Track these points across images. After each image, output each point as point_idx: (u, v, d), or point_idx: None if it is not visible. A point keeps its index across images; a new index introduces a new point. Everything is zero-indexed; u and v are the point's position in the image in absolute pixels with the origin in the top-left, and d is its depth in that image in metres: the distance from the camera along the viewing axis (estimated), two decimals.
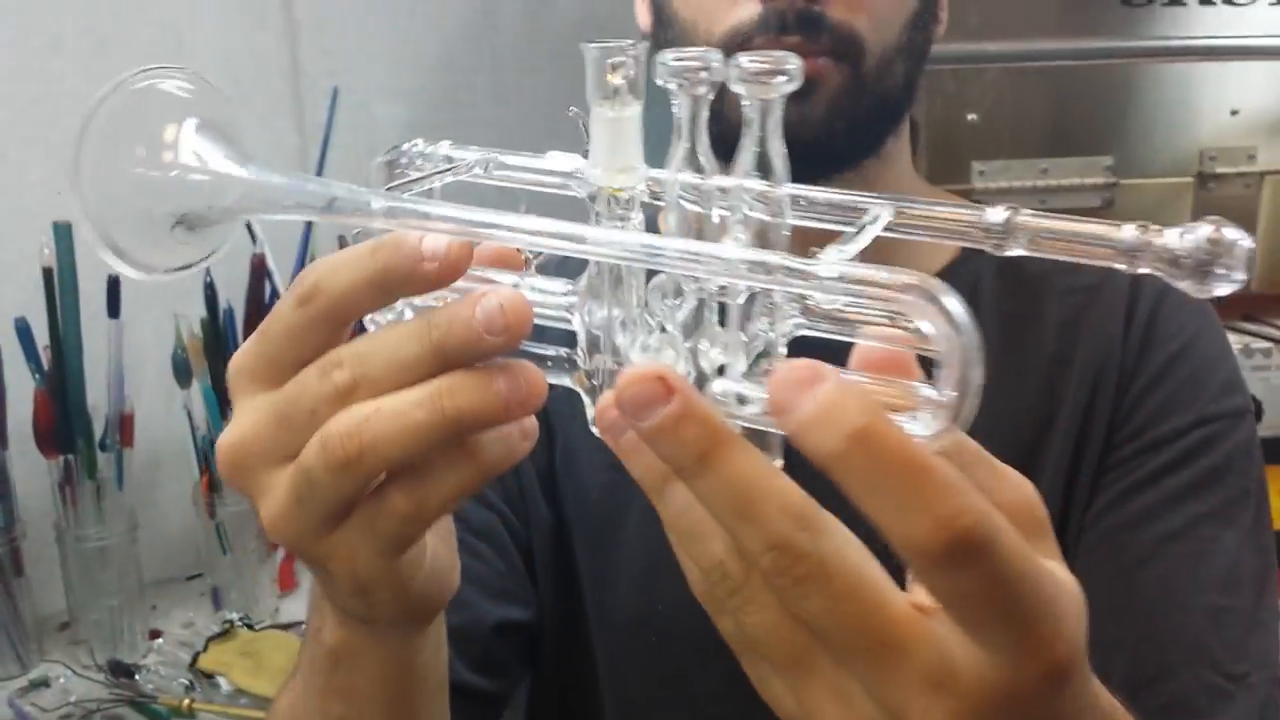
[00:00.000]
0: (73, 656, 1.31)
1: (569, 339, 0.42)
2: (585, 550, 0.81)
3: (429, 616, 0.52)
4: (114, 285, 1.27)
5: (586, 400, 0.41)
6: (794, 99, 0.71)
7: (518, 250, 0.41)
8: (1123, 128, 1.58)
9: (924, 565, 0.32)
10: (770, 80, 0.36)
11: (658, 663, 0.79)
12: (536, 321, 0.39)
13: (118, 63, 1.39)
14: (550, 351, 0.42)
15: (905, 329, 0.34)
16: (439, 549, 0.50)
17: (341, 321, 0.41)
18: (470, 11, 1.68)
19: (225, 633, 1.29)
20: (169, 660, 1.28)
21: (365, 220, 0.40)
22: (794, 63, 0.37)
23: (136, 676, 1.25)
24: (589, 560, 0.81)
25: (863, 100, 0.72)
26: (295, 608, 1.43)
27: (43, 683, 1.26)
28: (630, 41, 0.38)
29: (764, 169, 0.38)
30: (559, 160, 0.43)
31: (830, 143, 0.72)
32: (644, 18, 0.82)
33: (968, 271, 0.81)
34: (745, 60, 0.36)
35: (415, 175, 0.44)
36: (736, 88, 0.37)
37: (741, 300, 0.37)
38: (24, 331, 1.23)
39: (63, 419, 1.26)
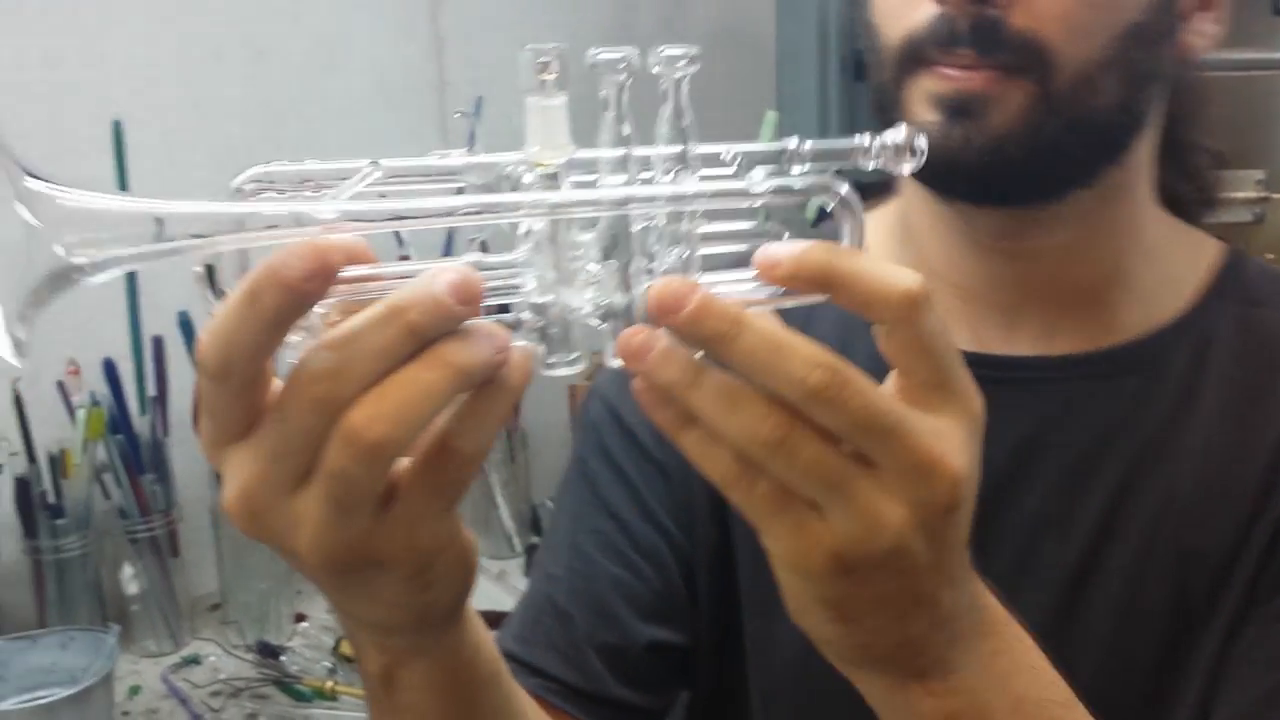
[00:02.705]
0: (223, 636, 1.38)
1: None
2: (749, 576, 0.76)
3: (456, 607, 0.52)
4: None
5: (540, 347, 0.45)
6: (958, 118, 0.64)
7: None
8: (1275, 141, 1.53)
9: (801, 405, 0.41)
10: (677, 63, 0.45)
11: (816, 708, 0.73)
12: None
13: (275, 72, 1.47)
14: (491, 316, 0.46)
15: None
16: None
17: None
18: (607, 21, 1.72)
19: None
20: (313, 643, 1.34)
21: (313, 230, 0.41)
22: (695, 49, 0.45)
23: (282, 658, 1.31)
24: (752, 587, 0.76)
25: (1050, 122, 0.64)
26: None
27: (194, 660, 1.33)
28: (554, 45, 0.44)
29: (678, 133, 0.45)
30: (450, 158, 0.47)
31: (1004, 168, 0.64)
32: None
33: (1201, 326, 0.72)
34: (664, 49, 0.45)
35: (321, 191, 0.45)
36: (655, 70, 0.45)
37: (637, 228, 0.45)
38: (186, 325, 1.30)
39: None
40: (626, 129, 0.45)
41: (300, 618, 1.40)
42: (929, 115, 0.64)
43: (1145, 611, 0.69)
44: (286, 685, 1.26)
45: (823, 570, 0.44)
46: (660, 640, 0.76)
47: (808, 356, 0.41)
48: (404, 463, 0.44)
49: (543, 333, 0.45)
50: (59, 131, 1.33)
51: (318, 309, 0.42)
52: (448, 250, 1.42)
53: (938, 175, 0.65)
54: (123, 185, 1.28)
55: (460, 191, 0.45)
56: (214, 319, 0.41)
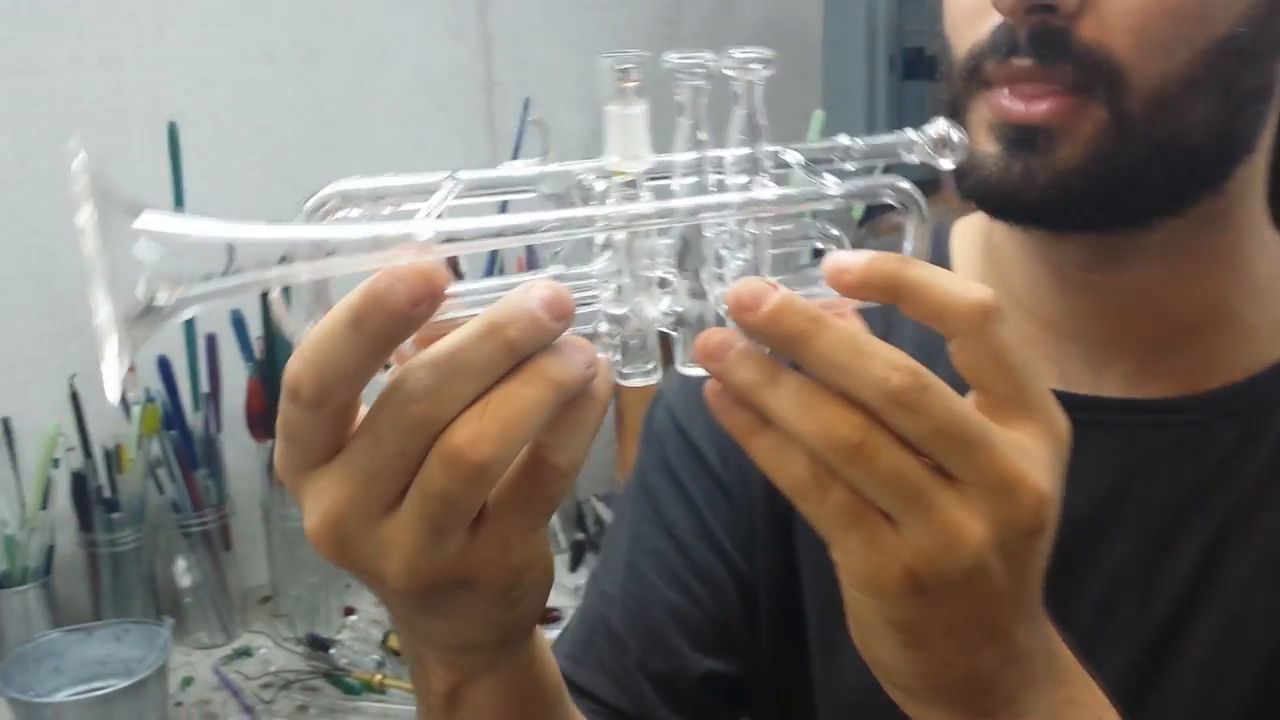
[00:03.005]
0: (273, 629, 1.40)
1: None
2: (815, 604, 0.73)
3: (535, 621, 0.51)
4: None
5: (616, 357, 0.45)
6: (1019, 151, 0.59)
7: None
8: None
9: (881, 410, 0.40)
10: (750, 66, 0.44)
11: None
12: None
13: (326, 72, 1.49)
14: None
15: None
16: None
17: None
18: (654, 23, 1.72)
19: None
20: (362, 636, 1.36)
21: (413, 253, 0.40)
22: (770, 53, 0.44)
23: (332, 650, 1.32)
24: (818, 619, 0.73)
25: (1124, 151, 0.58)
26: None
27: (246, 652, 1.35)
28: (635, 52, 0.44)
29: (752, 135, 0.45)
30: (519, 167, 0.46)
31: (1069, 203, 0.59)
32: None
33: None
34: (736, 52, 0.44)
35: (410, 208, 0.44)
36: (727, 72, 0.44)
37: (709, 233, 0.45)
38: (239, 323, 1.33)
39: (273, 405, 1.33)
40: (703, 134, 0.44)
41: (349, 611, 1.42)
42: (989, 146, 0.60)
43: (1232, 681, 0.64)
44: (336, 678, 1.28)
45: (895, 589, 0.42)
46: (715, 671, 0.73)
47: (889, 358, 0.40)
48: None
49: (622, 344, 0.44)
50: (115, 133, 1.36)
51: None
52: (491, 263, 1.43)
53: (1000, 208, 0.62)
54: (178, 186, 1.30)
55: (504, 207, 0.44)
56: (307, 345, 0.39)
